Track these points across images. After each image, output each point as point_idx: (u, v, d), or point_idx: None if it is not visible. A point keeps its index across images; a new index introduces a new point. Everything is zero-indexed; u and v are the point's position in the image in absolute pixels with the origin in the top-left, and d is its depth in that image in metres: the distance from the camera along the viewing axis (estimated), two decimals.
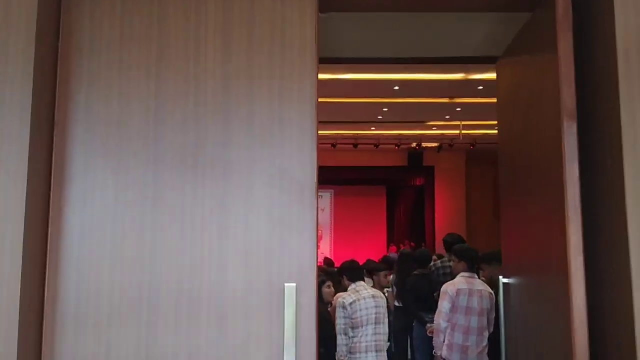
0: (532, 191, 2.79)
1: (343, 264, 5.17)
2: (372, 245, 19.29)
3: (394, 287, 6.72)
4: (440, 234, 17.41)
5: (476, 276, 4.90)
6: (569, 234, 2.25)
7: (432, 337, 5.36)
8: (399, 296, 6.53)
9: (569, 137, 2.32)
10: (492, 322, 4.80)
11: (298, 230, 2.24)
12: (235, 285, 2.25)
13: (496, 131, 15.50)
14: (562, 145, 2.35)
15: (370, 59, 4.21)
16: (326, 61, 3.61)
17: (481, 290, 4.81)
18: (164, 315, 2.22)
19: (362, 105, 13.25)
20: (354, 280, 4.87)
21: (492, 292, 4.80)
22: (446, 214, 18.31)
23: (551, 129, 2.49)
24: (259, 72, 2.31)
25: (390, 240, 20.00)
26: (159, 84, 2.28)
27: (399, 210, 20.81)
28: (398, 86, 11.95)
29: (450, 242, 5.88)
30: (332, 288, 5.13)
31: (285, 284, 2.18)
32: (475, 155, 18.35)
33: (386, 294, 6.62)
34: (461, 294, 4.74)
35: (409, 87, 12.02)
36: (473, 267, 4.89)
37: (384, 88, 12.10)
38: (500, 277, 3.21)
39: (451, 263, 5.71)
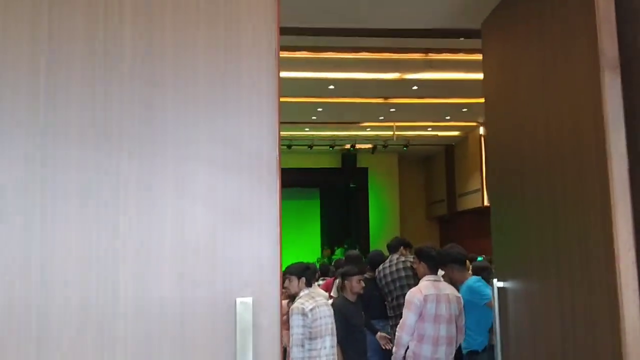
0: (544, 181, 2.30)
1: (298, 265, 4.51)
2: (307, 247, 18.99)
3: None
4: (374, 236, 17.39)
5: (442, 279, 4.38)
6: (615, 224, 1.75)
7: (387, 349, 4.85)
8: None
9: (612, 95, 1.79)
10: (463, 329, 4.28)
11: (253, 224, 1.60)
12: (163, 304, 1.56)
13: (430, 132, 15.21)
14: (602, 107, 1.81)
15: (335, 30, 3.66)
16: (286, 31, 3.00)
17: (448, 294, 4.29)
18: (60, 349, 1.52)
19: (296, 105, 12.87)
20: (309, 284, 4.24)
21: (460, 296, 4.30)
22: (380, 216, 18.24)
23: (576, 94, 1.96)
24: (196, 9, 1.65)
25: (324, 243, 19.65)
26: (51, 25, 1.59)
27: (333, 213, 20.56)
28: (333, 85, 11.61)
29: (395, 247, 5.40)
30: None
31: (238, 300, 1.53)
32: (408, 157, 18.40)
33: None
34: (429, 300, 4.20)
35: (344, 87, 11.76)
36: (436, 268, 4.37)
37: (318, 87, 11.76)
38: (495, 280, 2.73)
39: (397, 265, 5.26)
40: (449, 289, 4.33)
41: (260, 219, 1.61)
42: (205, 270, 1.57)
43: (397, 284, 5.33)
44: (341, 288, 5.00)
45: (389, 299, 5.41)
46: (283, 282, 4.47)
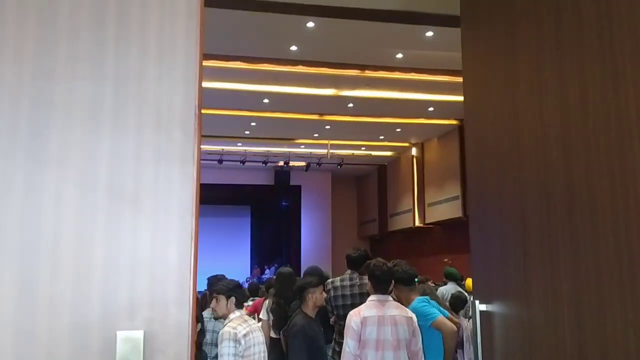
0: (543, 185, 1.88)
1: (227, 282, 3.84)
2: (236, 268, 18.15)
3: (269, 315, 5.49)
4: (306, 255, 17.01)
5: (390, 298, 3.85)
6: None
7: None
8: (276, 325, 5.33)
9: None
10: (420, 355, 3.73)
11: (154, 213, 1.04)
12: (2, 340, 0.95)
13: (363, 152, 14.97)
14: None
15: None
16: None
17: (395, 316, 3.69)
18: None
19: (229, 119, 12.45)
20: (240, 305, 3.61)
21: (414, 316, 3.77)
22: (312, 234, 17.99)
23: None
24: None
25: (254, 262, 19.09)
26: None
27: (264, 231, 20.24)
28: (268, 99, 11.25)
29: (355, 259, 4.70)
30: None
31: (119, 334, 0.94)
32: (341, 176, 18.23)
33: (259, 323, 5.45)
34: (368, 323, 3.62)
35: (279, 101, 11.44)
36: (385, 287, 3.86)
37: (253, 100, 11.39)
38: (475, 302, 2.27)
39: (350, 282, 4.71)
40: (396, 310, 3.75)
41: (166, 207, 1.06)
42: (66, 284, 0.93)
43: (347, 302, 4.67)
44: (300, 302, 4.33)
45: (334, 317, 4.79)
46: (209, 301, 3.86)
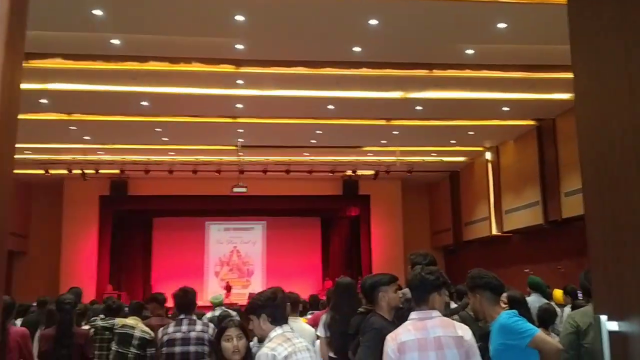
0: None
1: (256, 297, 3.34)
2: (308, 280, 18.17)
3: (327, 330, 4.93)
4: (377, 266, 16.51)
5: (435, 314, 3.01)
6: None
7: None
8: (333, 344, 4.75)
9: None
10: None
11: None
12: None
13: (433, 157, 14.28)
14: None
15: None
16: None
17: (440, 337, 2.92)
18: None
19: (294, 128, 12.21)
20: (278, 321, 3.08)
21: (469, 332, 3.02)
22: (383, 245, 17.53)
23: None
24: None
25: (326, 274, 18.84)
26: None
27: (334, 242, 19.88)
28: (333, 105, 10.85)
29: (416, 264, 4.04)
30: (243, 339, 3.19)
31: None
32: (411, 183, 17.61)
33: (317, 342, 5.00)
34: (407, 349, 2.92)
35: (344, 107, 11.10)
36: (423, 297, 3.04)
37: (317, 107, 11.04)
38: (603, 319, 1.74)
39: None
40: (442, 328, 2.97)
41: None
42: None
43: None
44: (371, 304, 3.80)
45: None
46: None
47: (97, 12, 7.09)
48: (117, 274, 17.66)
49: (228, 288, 16.89)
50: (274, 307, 3.10)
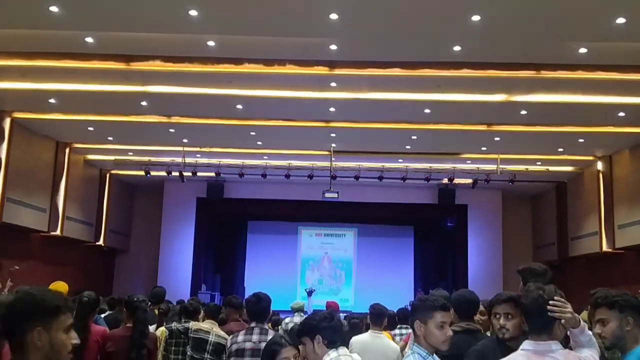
0: None
1: (310, 317, 2.97)
2: (399, 291, 17.79)
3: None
4: (474, 281, 15.92)
5: (554, 346, 2.40)
6: None
7: None
8: None
9: None
10: None
11: None
12: None
13: (538, 167, 13.37)
14: None
15: None
16: None
17: None
18: None
19: (388, 132, 11.94)
20: (334, 344, 2.68)
21: None
22: (480, 258, 16.83)
23: None
24: None
25: (418, 286, 18.41)
26: None
27: (428, 253, 19.37)
28: (429, 108, 10.42)
29: (540, 273, 3.42)
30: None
31: None
32: (513, 194, 16.78)
33: None
34: None
35: (441, 110, 10.64)
36: (547, 327, 2.43)
37: (413, 111, 10.68)
38: None
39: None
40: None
41: None
42: None
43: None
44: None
45: None
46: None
47: (193, 13, 7.14)
48: (212, 274, 18.11)
49: (310, 293, 16.84)
50: (331, 328, 2.75)
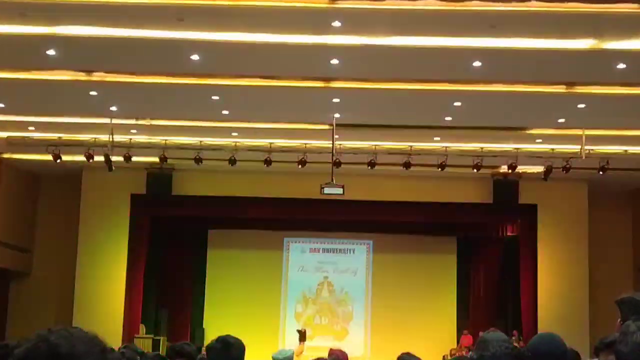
0: None
1: None
2: (436, 333, 18.00)
3: None
4: (547, 314, 15.95)
5: None
6: None
7: None
8: None
9: None
10: None
11: None
12: None
13: None
14: None
15: None
16: None
17: None
18: None
19: (418, 97, 11.99)
20: None
21: None
22: (555, 282, 16.95)
23: None
24: None
25: (462, 325, 18.55)
26: None
27: (478, 276, 19.48)
28: (480, 60, 10.56)
29: (633, 312, 3.54)
30: None
31: None
32: (604, 188, 16.78)
33: None
34: None
35: (498, 63, 10.87)
36: None
37: (456, 64, 10.87)
38: None
39: None
40: None
41: None
42: None
43: None
44: None
45: None
46: None
47: None
48: (156, 309, 18.16)
49: (302, 336, 16.87)
50: None
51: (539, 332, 14.85)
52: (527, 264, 17.23)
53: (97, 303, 16.35)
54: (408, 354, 5.36)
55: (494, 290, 18.96)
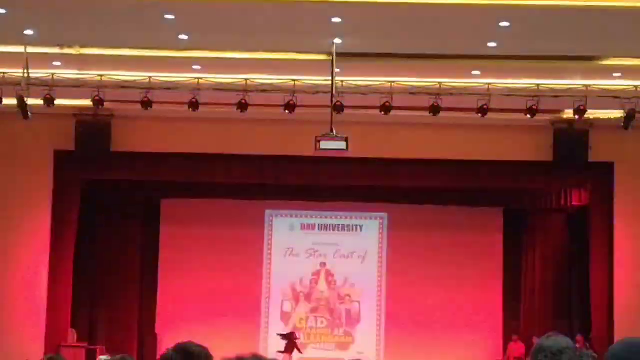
0: None
1: None
2: (475, 337, 18.21)
3: None
4: (624, 309, 15.95)
5: None
6: None
7: None
8: None
9: None
10: None
11: None
12: None
13: None
14: None
15: None
16: None
17: None
18: None
19: (450, 14, 12.00)
20: None
21: None
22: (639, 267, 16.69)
23: None
24: None
25: (510, 328, 18.76)
26: None
27: (531, 261, 19.63)
28: None
29: None
30: None
31: None
32: None
33: None
34: None
35: None
36: None
37: None
38: None
39: None
40: None
41: None
42: None
43: None
44: None
45: None
46: None
47: None
48: (90, 308, 18.23)
49: (291, 344, 17.00)
50: None
51: (615, 337, 15.01)
52: (600, 244, 17.31)
53: (10, 299, 16.40)
54: None
55: (553, 280, 19.12)
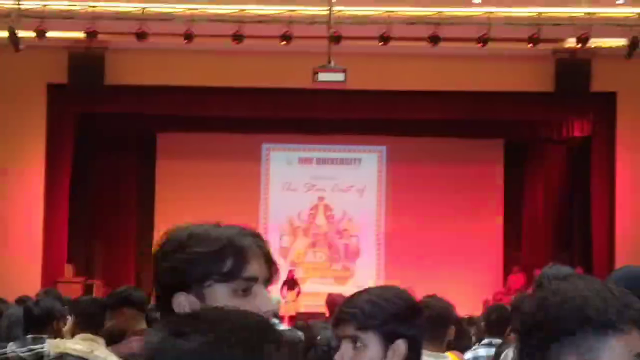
0: None
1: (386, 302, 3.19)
2: (477, 271, 18.31)
3: None
4: (627, 243, 15.97)
5: None
6: None
7: None
8: None
9: None
10: None
11: None
12: None
13: None
14: None
15: None
16: None
17: None
18: None
19: None
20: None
21: None
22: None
23: None
24: None
25: (511, 260, 18.92)
26: None
27: (532, 193, 19.73)
28: None
29: None
30: None
31: None
32: None
33: None
34: None
35: None
36: None
37: None
38: None
39: None
40: None
41: None
42: None
43: None
44: None
45: None
46: None
47: None
48: (86, 242, 18.37)
49: (292, 282, 17.03)
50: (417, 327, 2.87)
51: (616, 267, 15.06)
52: (602, 175, 17.39)
53: (5, 235, 16.42)
54: (434, 297, 5.42)
55: (554, 212, 19.22)
